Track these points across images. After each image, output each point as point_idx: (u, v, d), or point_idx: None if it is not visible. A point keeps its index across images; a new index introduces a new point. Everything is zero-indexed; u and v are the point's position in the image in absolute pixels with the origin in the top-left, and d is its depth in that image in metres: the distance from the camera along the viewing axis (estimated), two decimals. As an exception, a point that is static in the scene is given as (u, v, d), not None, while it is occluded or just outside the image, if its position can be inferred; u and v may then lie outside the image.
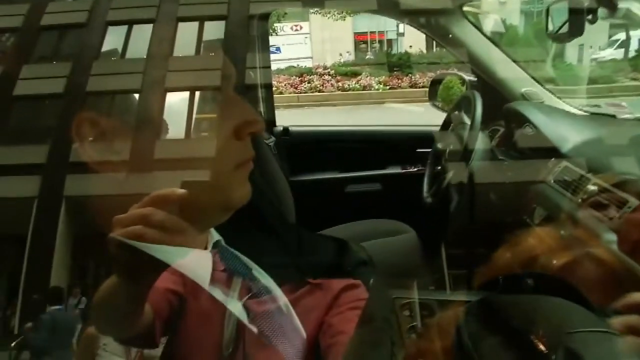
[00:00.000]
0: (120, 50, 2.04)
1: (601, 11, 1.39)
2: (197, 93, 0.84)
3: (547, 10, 1.61)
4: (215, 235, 0.66)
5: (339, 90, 9.47)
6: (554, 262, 0.75)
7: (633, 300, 0.60)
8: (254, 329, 0.68)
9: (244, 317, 0.68)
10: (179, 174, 0.59)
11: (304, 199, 1.49)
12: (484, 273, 0.85)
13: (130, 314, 0.66)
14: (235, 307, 0.69)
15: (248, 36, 1.96)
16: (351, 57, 11.95)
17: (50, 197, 1.85)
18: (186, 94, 0.87)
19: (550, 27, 1.60)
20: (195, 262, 0.57)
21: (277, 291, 0.75)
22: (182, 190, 0.53)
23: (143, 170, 0.65)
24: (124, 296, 0.60)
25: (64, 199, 1.86)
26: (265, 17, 2.20)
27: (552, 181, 1.38)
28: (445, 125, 1.86)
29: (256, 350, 0.75)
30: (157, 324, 0.76)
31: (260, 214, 0.78)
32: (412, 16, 2.14)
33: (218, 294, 0.67)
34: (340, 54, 11.68)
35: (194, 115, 0.80)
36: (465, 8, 1.96)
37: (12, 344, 1.53)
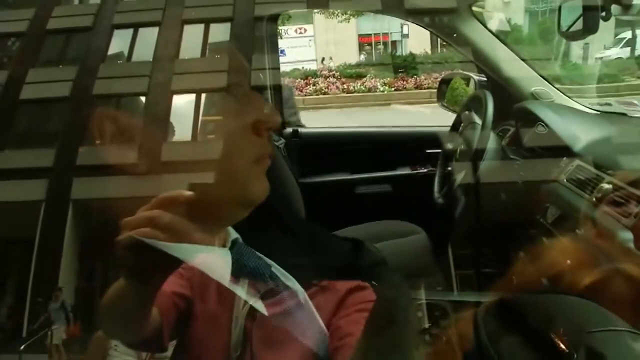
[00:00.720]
0: (126, 53, 2.05)
1: (614, 8, 1.37)
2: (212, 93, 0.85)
3: (559, 8, 1.59)
4: (233, 234, 0.66)
5: (344, 92, 9.49)
6: (582, 280, 0.73)
7: None
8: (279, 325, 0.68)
9: (262, 308, 0.68)
10: (198, 175, 0.59)
11: (314, 200, 1.49)
12: (505, 286, 0.83)
13: (138, 318, 0.66)
14: (253, 301, 0.69)
15: (254, 37, 1.96)
16: (362, 58, 12.00)
17: (58, 200, 1.86)
18: (201, 95, 0.87)
19: (563, 24, 1.59)
20: (215, 259, 0.56)
21: (297, 286, 0.74)
22: (189, 192, 0.53)
23: (160, 172, 0.65)
24: (132, 299, 0.59)
25: (71, 202, 1.87)
26: (274, 18, 2.20)
27: (565, 180, 1.37)
28: (456, 126, 1.85)
29: (264, 351, 0.74)
30: (165, 328, 0.75)
31: (273, 213, 0.77)
32: (417, 16, 2.14)
33: (240, 291, 0.67)
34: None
35: (210, 116, 0.80)
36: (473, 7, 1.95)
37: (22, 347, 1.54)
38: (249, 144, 0.62)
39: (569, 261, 0.76)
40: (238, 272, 0.65)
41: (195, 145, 0.79)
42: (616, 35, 8.83)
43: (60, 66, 2.18)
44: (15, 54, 2.23)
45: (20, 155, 1.97)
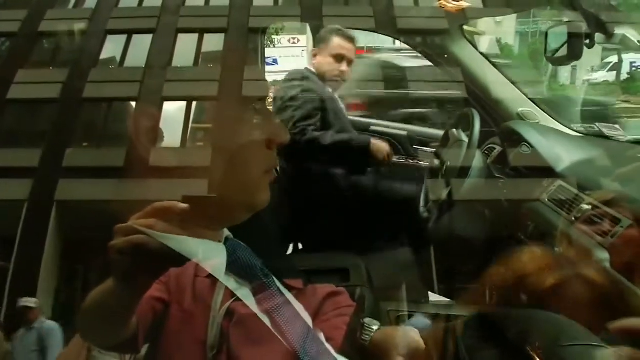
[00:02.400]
0: (118, 58, 2.05)
1: (598, 36, 1.42)
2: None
3: (546, 34, 1.63)
4: (225, 231, 0.72)
5: (334, 103, 9.49)
6: (544, 282, 0.76)
7: (628, 325, 0.60)
8: (267, 322, 0.72)
9: (252, 303, 0.71)
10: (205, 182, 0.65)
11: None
12: (476, 290, 0.86)
13: (120, 320, 0.67)
14: (244, 294, 0.72)
15: (248, 48, 1.98)
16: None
17: (41, 200, 1.84)
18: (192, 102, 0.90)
19: (549, 50, 1.62)
20: (211, 252, 0.59)
21: (282, 287, 0.78)
22: (184, 205, 0.55)
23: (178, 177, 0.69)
24: (118, 302, 0.60)
25: (55, 203, 1.85)
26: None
27: (547, 199, 1.40)
28: (443, 142, 1.87)
29: (243, 349, 0.77)
30: (140, 332, 0.77)
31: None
32: (409, 35, 2.18)
33: (231, 283, 0.71)
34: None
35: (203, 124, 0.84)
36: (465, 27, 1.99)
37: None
38: (263, 156, 0.69)
39: (534, 264, 0.79)
40: (233, 264, 0.67)
41: (196, 152, 0.83)
42: (603, 59, 9.00)
43: (51, 68, 2.17)
44: (5, 54, 2.21)
45: (6, 154, 1.95)
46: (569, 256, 0.85)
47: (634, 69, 8.59)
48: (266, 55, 2.31)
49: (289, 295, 0.79)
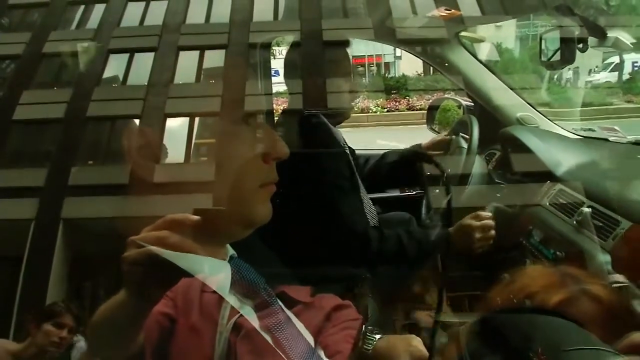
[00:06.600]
0: (121, 77, 2.08)
1: (591, 40, 1.43)
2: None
3: (540, 39, 1.65)
4: (230, 250, 0.71)
5: (337, 112, 9.49)
6: (550, 299, 0.77)
7: (634, 341, 0.61)
8: (269, 339, 0.71)
9: (255, 323, 0.71)
10: (204, 197, 0.65)
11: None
12: (485, 307, 0.86)
13: (130, 333, 0.68)
14: (247, 312, 0.73)
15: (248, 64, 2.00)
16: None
17: (48, 219, 1.86)
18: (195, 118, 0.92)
19: (544, 55, 1.64)
20: (217, 271, 0.61)
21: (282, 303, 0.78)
22: (196, 217, 0.56)
23: (161, 193, 0.69)
24: (129, 314, 0.61)
25: (61, 221, 1.87)
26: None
27: (548, 204, 1.40)
28: (444, 150, 1.88)
29: None
30: (147, 348, 0.77)
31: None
32: (408, 45, 2.19)
33: (233, 300, 0.71)
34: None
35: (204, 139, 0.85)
36: (462, 33, 2.00)
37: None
38: (258, 170, 0.69)
39: (539, 283, 0.79)
40: (236, 283, 0.68)
41: (198, 167, 0.83)
42: (604, 60, 9.00)
43: (55, 88, 2.20)
44: (10, 75, 2.25)
45: (12, 174, 1.97)
46: (574, 272, 0.85)
47: (635, 69, 8.60)
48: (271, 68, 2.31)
49: (290, 314, 0.79)
